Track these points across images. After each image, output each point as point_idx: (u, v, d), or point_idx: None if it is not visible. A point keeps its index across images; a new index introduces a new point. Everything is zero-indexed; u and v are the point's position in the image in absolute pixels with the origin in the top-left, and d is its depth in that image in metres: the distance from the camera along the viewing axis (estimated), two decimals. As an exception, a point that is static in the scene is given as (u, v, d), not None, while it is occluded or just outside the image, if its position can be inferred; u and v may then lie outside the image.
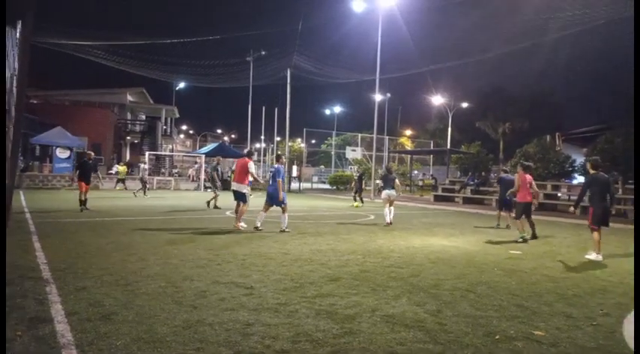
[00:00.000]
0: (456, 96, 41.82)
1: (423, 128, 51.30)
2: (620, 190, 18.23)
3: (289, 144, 40.46)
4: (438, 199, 23.46)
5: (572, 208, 8.34)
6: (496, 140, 40.93)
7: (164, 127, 48.80)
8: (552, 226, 13.28)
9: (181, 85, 47.51)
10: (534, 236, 9.56)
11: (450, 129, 39.11)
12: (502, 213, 11.87)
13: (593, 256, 7.45)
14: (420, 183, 29.07)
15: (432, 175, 34.72)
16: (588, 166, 7.93)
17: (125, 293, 4.45)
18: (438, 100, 40.56)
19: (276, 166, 9.62)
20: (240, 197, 9.79)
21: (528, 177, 9.59)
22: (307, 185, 37.46)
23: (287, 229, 9.33)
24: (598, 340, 3.63)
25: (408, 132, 53.18)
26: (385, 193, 11.72)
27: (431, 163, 39.37)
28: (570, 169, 22.21)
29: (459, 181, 24.85)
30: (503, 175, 12.38)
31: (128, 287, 4.67)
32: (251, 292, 4.67)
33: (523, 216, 9.46)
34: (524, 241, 9.12)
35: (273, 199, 9.45)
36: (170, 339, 3.29)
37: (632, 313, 4.40)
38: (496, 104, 40.85)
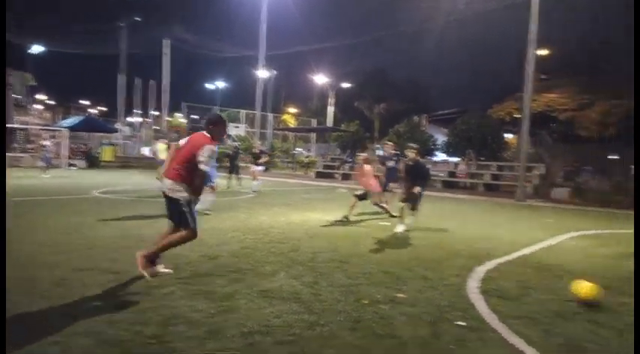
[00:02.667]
0: (338, 76, 43.28)
1: (306, 106, 52.28)
2: (474, 166, 20.71)
3: (168, 118, 38.22)
4: (320, 175, 24.30)
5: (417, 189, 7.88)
6: (372, 120, 43.46)
7: (16, 96, 42.40)
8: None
9: (38, 48, 41.56)
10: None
11: (332, 108, 40.48)
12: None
13: (399, 227, 7.66)
14: (306, 160, 29.74)
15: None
16: (414, 153, 7.92)
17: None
18: (320, 79, 41.53)
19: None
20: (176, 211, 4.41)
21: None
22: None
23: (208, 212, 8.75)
24: (449, 298, 4.15)
25: (292, 110, 53.79)
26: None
27: (313, 141, 40.49)
28: (433, 147, 24.65)
29: (339, 159, 26.00)
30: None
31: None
32: (119, 277, 4.38)
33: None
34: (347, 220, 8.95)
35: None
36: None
37: (477, 269, 5.11)
38: (373, 86, 43.19)
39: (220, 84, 54.31)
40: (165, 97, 33.60)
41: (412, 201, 7.82)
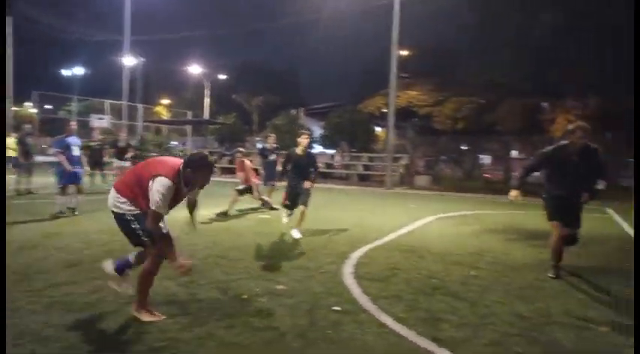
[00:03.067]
0: (214, 66, 41.96)
1: (180, 97, 49.77)
2: (348, 157, 21.80)
3: (14, 108, 33.21)
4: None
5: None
6: (250, 112, 43.13)
7: None
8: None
9: None
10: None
11: (207, 99, 39.14)
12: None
13: (295, 233, 6.54)
14: (181, 153, 28.20)
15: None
16: (307, 139, 6.86)
17: None
18: (195, 69, 39.82)
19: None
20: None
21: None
22: (42, 158, 31.71)
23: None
24: (326, 285, 4.30)
25: (166, 101, 50.75)
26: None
27: (189, 134, 38.75)
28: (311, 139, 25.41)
29: (217, 152, 25.32)
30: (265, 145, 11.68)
31: None
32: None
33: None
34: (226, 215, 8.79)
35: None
36: None
37: (351, 255, 5.38)
38: (251, 78, 42.84)
39: (80, 71, 48.87)
40: (8, 84, 29.06)
41: (304, 197, 6.58)
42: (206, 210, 9.32)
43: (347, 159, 21.76)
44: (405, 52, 25.26)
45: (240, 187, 9.20)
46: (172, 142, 35.04)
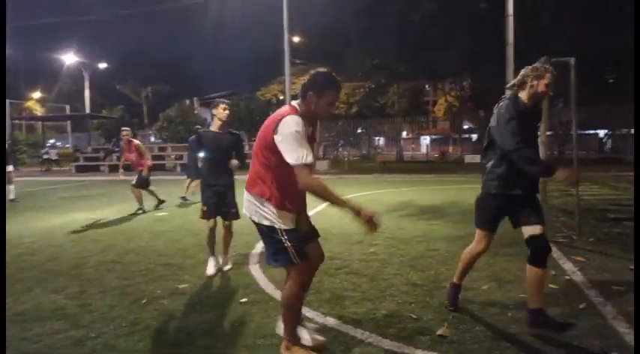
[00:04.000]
0: (95, 56, 38.40)
1: (56, 90, 44.89)
2: (247, 147, 21.50)
3: None
4: (81, 169, 21.47)
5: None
6: (140, 104, 40.45)
7: None
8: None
9: None
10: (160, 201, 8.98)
11: (88, 91, 35.81)
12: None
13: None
14: (54, 156, 25.20)
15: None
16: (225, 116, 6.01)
17: None
18: (71, 58, 36.06)
19: None
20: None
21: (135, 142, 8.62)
22: None
23: None
24: (231, 278, 4.26)
25: (37, 94, 45.40)
26: None
27: (69, 130, 35.21)
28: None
29: (104, 149, 23.42)
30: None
31: None
32: None
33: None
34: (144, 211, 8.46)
35: None
36: None
37: (257, 245, 5.37)
38: (137, 67, 40.02)
39: None
40: None
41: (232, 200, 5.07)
42: (94, 213, 8.63)
43: (247, 149, 21.53)
44: (296, 39, 25.47)
45: (134, 181, 8.56)
46: (50, 141, 31.74)
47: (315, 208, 8.29)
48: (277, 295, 3.71)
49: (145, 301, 3.67)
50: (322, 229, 6.28)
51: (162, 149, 22.19)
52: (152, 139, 30.32)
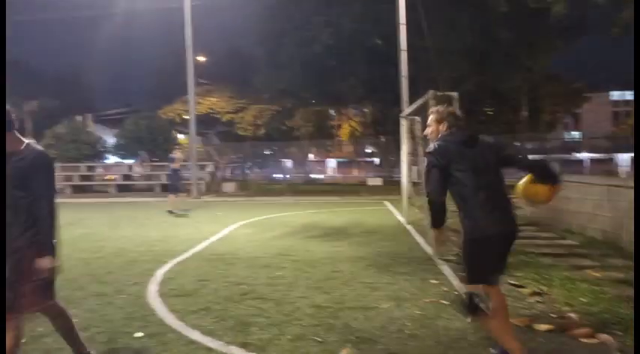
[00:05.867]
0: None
1: None
2: (149, 167, 20.43)
3: None
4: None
5: None
6: (22, 119, 36.52)
7: None
8: (88, 207, 13.33)
9: None
10: None
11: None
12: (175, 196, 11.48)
13: None
14: None
15: None
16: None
17: None
18: None
19: None
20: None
21: None
22: None
23: None
24: (127, 309, 3.95)
25: None
26: None
27: None
28: (103, 149, 22.97)
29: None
30: (173, 155, 11.75)
31: None
32: None
33: None
34: None
35: None
36: None
37: (157, 272, 5.07)
38: (18, 79, 36.23)
39: None
40: None
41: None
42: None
43: (148, 169, 20.35)
44: (201, 58, 25.07)
45: None
46: None
47: (217, 235, 8.09)
48: (177, 325, 3.54)
49: (24, 340, 3.26)
50: (228, 253, 6.19)
51: (89, 168, 20.12)
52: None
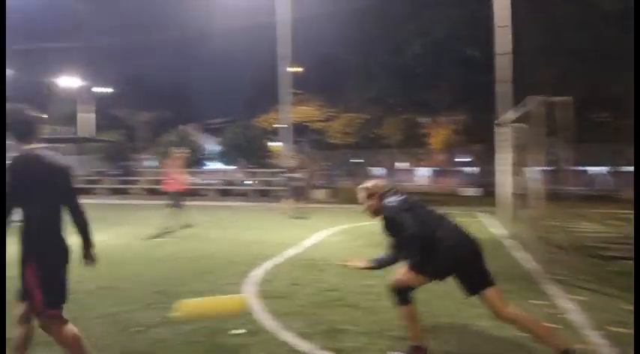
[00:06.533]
0: (96, 79, 38.88)
1: (59, 112, 45.17)
2: (246, 174, 21.60)
3: None
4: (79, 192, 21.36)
5: None
6: (138, 128, 40.68)
7: None
8: (192, 209, 14.41)
9: None
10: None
11: (86, 115, 36.04)
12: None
13: None
14: None
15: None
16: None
17: None
18: (70, 81, 36.41)
19: None
20: None
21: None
22: None
23: None
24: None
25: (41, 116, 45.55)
26: None
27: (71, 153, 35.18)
28: (202, 156, 24.75)
29: (101, 172, 23.40)
30: (287, 163, 12.67)
31: None
32: None
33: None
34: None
35: None
36: None
37: (252, 274, 5.33)
38: (135, 92, 40.48)
39: None
40: None
41: None
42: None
43: (246, 175, 21.53)
44: (294, 69, 26.02)
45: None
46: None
47: (308, 241, 8.27)
48: (272, 326, 3.68)
49: (139, 329, 3.62)
50: (319, 259, 6.30)
51: (159, 174, 22.19)
52: (146, 163, 30.32)
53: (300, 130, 28.91)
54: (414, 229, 2.98)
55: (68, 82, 35.56)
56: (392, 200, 3.24)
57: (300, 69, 27.92)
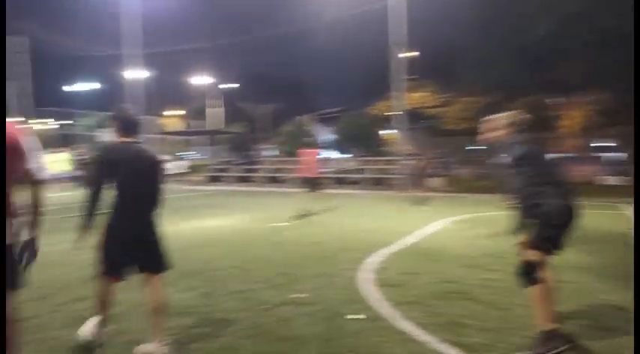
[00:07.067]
0: (224, 76, 42.43)
1: (188, 108, 50.30)
2: (360, 161, 21.81)
3: (38, 126, 33.92)
4: (210, 179, 23.56)
5: None
6: (259, 120, 43.43)
7: None
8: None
9: None
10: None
11: (216, 109, 39.52)
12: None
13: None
14: (179, 169, 27.76)
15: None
16: None
17: None
18: (203, 79, 40.20)
19: None
20: None
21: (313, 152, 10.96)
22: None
23: None
24: (344, 292, 4.30)
25: (175, 112, 51.32)
26: None
27: (202, 144, 39.08)
28: (315, 145, 25.56)
29: (228, 161, 25.47)
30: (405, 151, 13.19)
31: None
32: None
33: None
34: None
35: None
36: None
37: (368, 261, 5.38)
38: (257, 86, 43.18)
39: (89, 86, 49.70)
40: (29, 102, 29.91)
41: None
42: (221, 220, 9.39)
43: (359, 163, 21.74)
44: (409, 54, 25.33)
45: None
46: (181, 153, 35.39)
47: (424, 230, 8.05)
48: (389, 313, 3.67)
49: (267, 306, 3.89)
50: (435, 249, 6.12)
51: (279, 163, 23.49)
52: (266, 153, 32.22)
53: (414, 116, 28.19)
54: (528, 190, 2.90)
55: (199, 80, 39.26)
56: (524, 140, 3.09)
57: (414, 53, 27.16)
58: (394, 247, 6.39)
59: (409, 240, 6.98)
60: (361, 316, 3.63)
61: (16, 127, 2.12)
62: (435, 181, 18.82)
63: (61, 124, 37.77)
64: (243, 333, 3.32)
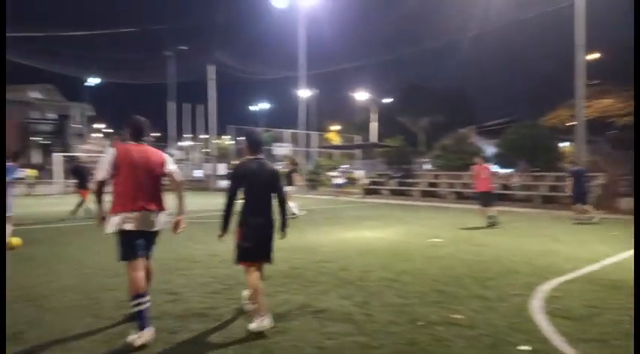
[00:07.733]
0: (379, 91, 43.34)
1: (349, 123, 52.53)
2: (528, 177, 19.85)
3: (216, 141, 39.54)
4: (367, 192, 24.13)
5: None
6: (417, 133, 42.93)
7: (76, 125, 45.69)
8: (469, 213, 14.15)
9: (95, 80, 44.50)
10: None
11: (374, 123, 40.41)
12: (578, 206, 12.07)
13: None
14: (339, 180, 28.84)
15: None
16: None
17: (33, 309, 4.08)
18: (362, 95, 41.66)
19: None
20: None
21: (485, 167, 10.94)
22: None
23: None
24: (510, 319, 3.92)
25: (336, 127, 54.19)
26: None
27: (360, 158, 40.42)
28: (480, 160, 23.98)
29: (386, 174, 25.75)
30: (575, 168, 12.51)
31: (37, 302, 4.29)
32: (176, 297, 4.49)
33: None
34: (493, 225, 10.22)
35: None
36: (86, 356, 3.07)
37: (539, 288, 4.83)
38: (415, 99, 42.81)
39: (264, 105, 55.72)
40: (212, 121, 34.92)
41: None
42: (377, 232, 9.51)
43: (527, 179, 19.79)
44: (592, 56, 22.20)
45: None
46: (343, 166, 37.09)
47: (611, 258, 6.89)
48: (567, 350, 3.22)
49: (421, 323, 3.79)
50: (625, 283, 5.18)
51: (435, 177, 22.86)
52: (423, 167, 31.64)
53: (596, 126, 24.57)
54: None
55: (360, 95, 40.75)
56: None
57: (597, 56, 23.78)
58: (572, 275, 5.61)
59: (591, 268, 6.05)
60: (526, 348, 3.25)
61: (160, 153, 3.75)
62: (624, 202, 16.04)
63: (237, 140, 43.14)
64: (399, 348, 3.27)
